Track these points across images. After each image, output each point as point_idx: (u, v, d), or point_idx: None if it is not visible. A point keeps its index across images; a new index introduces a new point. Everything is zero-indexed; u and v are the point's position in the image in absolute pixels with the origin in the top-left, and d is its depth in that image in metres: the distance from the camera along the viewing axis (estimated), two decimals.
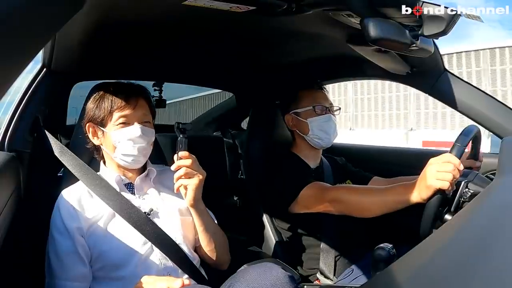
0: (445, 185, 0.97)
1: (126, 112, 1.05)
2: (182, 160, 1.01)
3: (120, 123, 1.05)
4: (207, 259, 1.14)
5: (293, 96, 1.51)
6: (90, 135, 1.10)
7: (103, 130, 1.07)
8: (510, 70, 7.99)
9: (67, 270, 0.98)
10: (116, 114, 1.05)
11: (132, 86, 1.11)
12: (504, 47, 8.04)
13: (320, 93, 1.50)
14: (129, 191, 1.10)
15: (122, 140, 1.05)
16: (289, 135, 1.58)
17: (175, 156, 1.02)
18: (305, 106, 1.47)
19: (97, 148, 1.12)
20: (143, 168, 1.14)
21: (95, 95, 1.09)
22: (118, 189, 1.06)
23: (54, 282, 0.98)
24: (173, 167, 1.02)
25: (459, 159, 0.99)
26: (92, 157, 1.16)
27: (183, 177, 1.01)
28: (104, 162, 1.13)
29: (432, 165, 1.00)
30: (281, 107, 1.58)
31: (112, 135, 1.05)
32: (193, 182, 1.01)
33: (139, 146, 1.06)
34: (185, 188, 1.02)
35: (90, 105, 1.08)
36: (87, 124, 1.09)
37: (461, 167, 0.98)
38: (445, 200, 1.01)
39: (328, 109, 1.46)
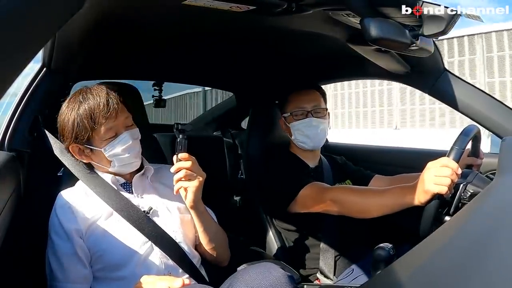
0: (443, 189, 0.97)
1: (111, 124, 1.01)
2: (182, 162, 1.00)
3: (108, 138, 1.02)
4: (207, 256, 1.14)
5: (284, 98, 1.52)
6: (77, 155, 1.05)
7: (91, 148, 1.03)
8: (510, 56, 7.11)
9: (67, 272, 0.98)
10: (101, 129, 1.00)
11: (104, 91, 1.02)
12: (502, 30, 7.09)
13: (304, 95, 1.48)
14: (127, 190, 1.10)
15: (116, 153, 1.03)
16: None
17: (175, 158, 1.01)
18: (288, 111, 1.49)
19: (87, 163, 1.08)
20: (139, 166, 1.13)
21: (67, 112, 1.01)
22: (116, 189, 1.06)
23: (54, 284, 0.98)
24: (172, 169, 1.01)
25: (457, 162, 0.99)
26: None
27: (182, 179, 1.00)
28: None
29: (430, 169, 1.00)
30: (280, 111, 1.59)
31: (105, 152, 1.03)
32: (193, 184, 1.01)
33: (134, 152, 1.05)
34: (185, 190, 1.02)
35: (66, 123, 1.01)
36: (71, 147, 1.03)
37: (459, 171, 0.98)
38: (445, 202, 1.01)
39: (310, 113, 1.45)
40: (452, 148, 1.01)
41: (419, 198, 1.01)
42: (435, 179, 0.98)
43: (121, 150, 1.03)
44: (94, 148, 1.03)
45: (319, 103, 1.48)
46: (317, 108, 1.46)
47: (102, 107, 0.99)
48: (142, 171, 1.12)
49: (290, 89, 1.52)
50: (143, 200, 1.09)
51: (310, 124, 1.44)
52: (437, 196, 0.98)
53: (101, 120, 0.99)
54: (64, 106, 1.04)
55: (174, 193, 1.03)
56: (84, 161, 1.07)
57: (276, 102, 1.66)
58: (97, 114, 0.99)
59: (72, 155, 1.06)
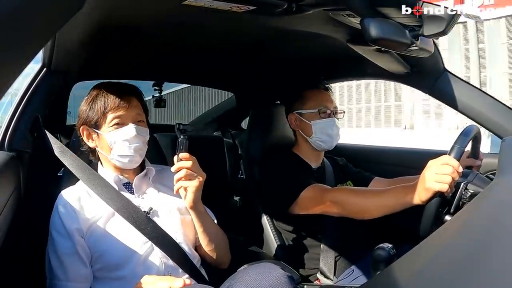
0: (444, 187, 0.97)
1: (120, 112, 1.05)
2: (183, 162, 1.01)
3: (114, 124, 1.05)
4: (207, 258, 1.14)
5: (298, 95, 1.50)
6: (84, 138, 1.10)
7: (97, 132, 1.07)
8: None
9: (67, 271, 0.98)
10: (110, 116, 1.05)
11: (124, 86, 1.10)
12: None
13: (325, 95, 1.49)
14: (128, 190, 1.10)
15: (117, 141, 1.05)
16: (290, 135, 1.57)
17: (175, 158, 1.02)
18: (310, 107, 1.46)
19: (93, 150, 1.12)
20: (141, 167, 1.14)
21: (87, 97, 1.09)
22: (117, 189, 1.06)
23: (55, 283, 0.98)
24: (173, 169, 1.01)
25: (458, 160, 0.99)
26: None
27: (183, 178, 1.01)
28: (102, 163, 1.13)
29: (431, 167, 1.00)
30: (285, 106, 1.57)
31: (107, 137, 1.05)
32: (193, 184, 1.01)
33: (135, 146, 1.06)
34: (185, 190, 1.02)
35: (83, 107, 1.08)
36: (81, 127, 1.09)
37: (460, 169, 0.98)
38: (445, 201, 1.01)
39: (332, 113, 1.46)
40: (453, 147, 1.01)
41: (420, 196, 1.01)
42: (436, 177, 0.98)
43: (122, 140, 1.04)
44: (99, 132, 1.06)
45: (336, 106, 1.50)
46: (337, 110, 1.48)
47: (117, 96, 1.05)
48: (144, 172, 1.13)
49: (303, 88, 1.51)
50: (143, 201, 1.09)
51: (333, 123, 1.45)
52: (438, 194, 0.98)
53: (112, 106, 1.04)
54: (86, 96, 1.11)
55: (174, 192, 1.04)
56: (91, 145, 1.10)
57: (277, 102, 1.65)
58: (111, 101, 1.05)
59: (81, 140, 1.11)
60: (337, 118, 1.47)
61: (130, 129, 1.05)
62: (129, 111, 1.06)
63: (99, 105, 1.05)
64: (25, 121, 1.14)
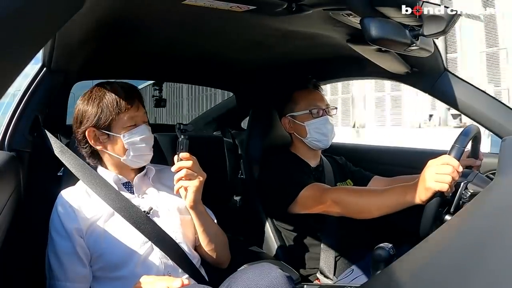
0: (444, 187, 0.97)
1: (133, 113, 1.05)
2: (183, 162, 1.01)
3: (130, 125, 1.05)
4: (207, 258, 1.14)
5: (289, 98, 1.50)
6: (91, 141, 1.06)
7: (108, 134, 1.04)
8: None
9: (66, 271, 0.98)
10: (124, 117, 1.04)
11: (130, 87, 1.09)
12: None
13: (316, 94, 1.49)
14: (128, 190, 1.10)
15: (134, 141, 1.05)
16: (289, 135, 1.58)
17: (176, 157, 1.02)
18: (301, 109, 1.46)
19: (92, 153, 1.09)
20: (141, 167, 1.14)
21: (88, 98, 1.05)
22: (117, 189, 1.06)
23: (54, 283, 0.98)
24: (173, 168, 1.02)
25: (458, 160, 0.99)
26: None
27: (183, 178, 1.01)
28: (101, 164, 1.12)
29: (431, 167, 1.00)
30: (277, 110, 1.57)
31: (123, 138, 1.04)
32: (194, 184, 1.02)
33: (149, 145, 1.08)
34: (185, 189, 1.02)
35: (90, 109, 1.04)
36: (88, 130, 1.04)
37: (460, 169, 0.98)
38: (445, 201, 1.01)
39: (324, 111, 1.46)
40: (453, 146, 1.01)
41: (420, 196, 1.01)
42: (436, 176, 0.98)
43: (139, 139, 1.05)
44: (113, 134, 1.04)
45: (328, 103, 1.50)
46: (329, 108, 1.48)
47: (128, 95, 1.05)
48: (144, 172, 1.13)
49: (293, 89, 1.51)
50: (143, 201, 1.09)
51: (326, 122, 1.45)
52: (438, 194, 0.98)
53: (126, 106, 1.04)
54: (85, 97, 1.07)
55: (174, 192, 1.04)
56: (98, 148, 1.07)
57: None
58: (123, 101, 1.04)
59: (85, 143, 1.07)
60: (330, 116, 1.48)
61: (144, 129, 1.06)
62: (139, 111, 1.07)
63: (111, 106, 1.02)
64: (25, 121, 1.14)
